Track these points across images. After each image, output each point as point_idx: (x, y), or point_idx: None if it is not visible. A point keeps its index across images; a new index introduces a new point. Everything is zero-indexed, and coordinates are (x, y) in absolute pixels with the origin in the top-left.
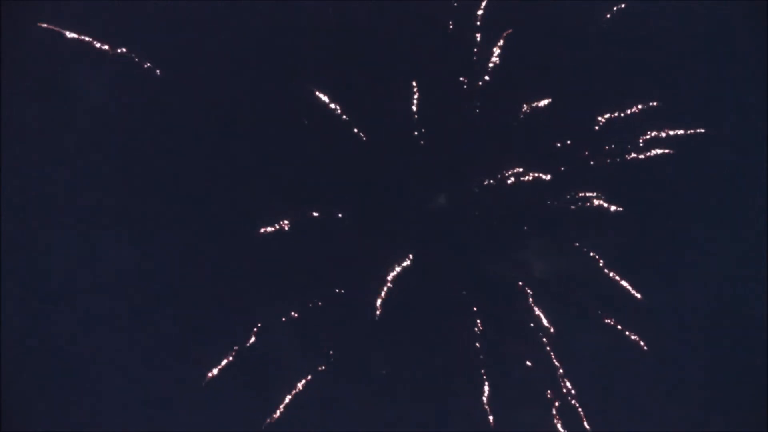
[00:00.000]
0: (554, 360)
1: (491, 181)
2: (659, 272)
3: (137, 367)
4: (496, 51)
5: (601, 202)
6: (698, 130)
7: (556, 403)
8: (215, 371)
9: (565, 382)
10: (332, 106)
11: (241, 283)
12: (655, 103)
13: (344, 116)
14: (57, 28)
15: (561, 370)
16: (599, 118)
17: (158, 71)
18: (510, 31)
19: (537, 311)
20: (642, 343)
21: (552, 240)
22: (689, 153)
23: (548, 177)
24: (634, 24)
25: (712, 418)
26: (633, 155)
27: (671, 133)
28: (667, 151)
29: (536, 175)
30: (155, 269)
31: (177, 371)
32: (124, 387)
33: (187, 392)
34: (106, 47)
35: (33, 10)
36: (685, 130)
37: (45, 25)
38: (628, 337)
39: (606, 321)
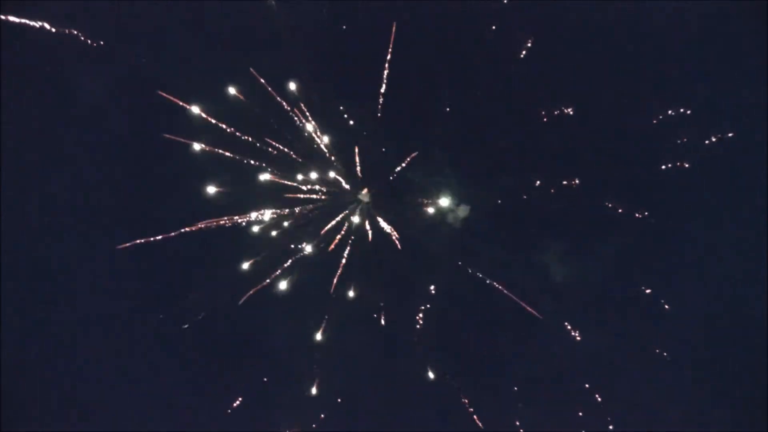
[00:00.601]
0: (569, 361)
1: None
2: (664, 274)
3: (136, 367)
4: (519, 57)
5: (612, 205)
6: (727, 135)
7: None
8: (238, 402)
9: (583, 385)
10: (347, 117)
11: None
12: (683, 110)
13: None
14: (54, 28)
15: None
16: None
17: (158, 71)
18: (531, 40)
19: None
20: (665, 354)
21: (567, 245)
22: (705, 158)
23: (556, 182)
24: (650, 30)
25: (713, 418)
26: (650, 162)
27: (688, 139)
28: (683, 163)
29: (557, 181)
30: (155, 270)
31: (177, 372)
32: (123, 387)
33: (187, 393)
34: (105, 47)
35: (33, 10)
36: (709, 136)
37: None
38: (642, 340)
39: (615, 323)
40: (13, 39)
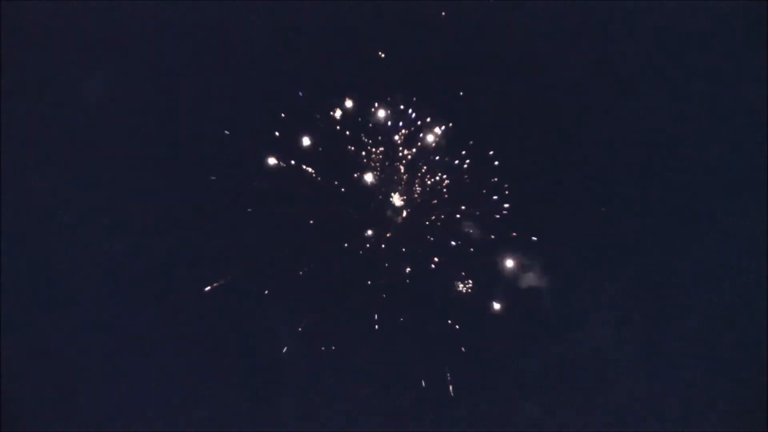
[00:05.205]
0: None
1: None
2: (659, 272)
3: (137, 367)
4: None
5: (600, 201)
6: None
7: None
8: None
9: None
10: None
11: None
12: (682, 110)
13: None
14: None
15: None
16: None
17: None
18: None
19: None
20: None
21: (551, 241)
22: (691, 153)
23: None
24: (634, 22)
25: (712, 418)
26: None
27: (671, 132)
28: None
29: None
30: (155, 269)
31: (177, 371)
32: (124, 387)
33: (187, 393)
34: (106, 47)
35: (33, 10)
36: (687, 129)
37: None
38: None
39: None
40: (13, 39)
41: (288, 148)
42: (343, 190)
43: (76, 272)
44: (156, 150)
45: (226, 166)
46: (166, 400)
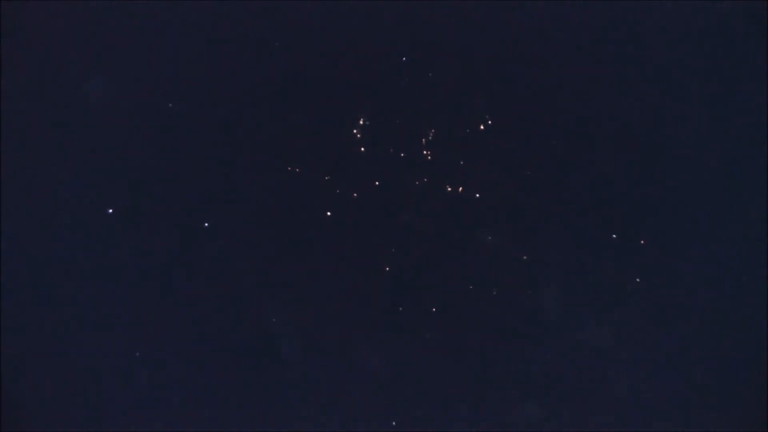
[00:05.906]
0: (555, 356)
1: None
2: (659, 272)
3: (137, 367)
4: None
5: (600, 200)
6: (699, 129)
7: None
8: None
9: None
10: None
11: (245, 283)
12: (682, 110)
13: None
14: (57, 28)
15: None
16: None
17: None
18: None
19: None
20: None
21: (551, 237)
22: (690, 153)
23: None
24: (632, 22)
25: (712, 418)
26: (629, 153)
27: (671, 132)
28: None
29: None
30: (156, 269)
31: (179, 371)
32: (125, 387)
33: (189, 393)
34: (106, 47)
35: (33, 10)
36: (687, 129)
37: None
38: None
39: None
40: (13, 39)
41: (292, 150)
42: (355, 195)
43: (76, 272)
44: (157, 150)
45: (227, 166)
46: (166, 400)
